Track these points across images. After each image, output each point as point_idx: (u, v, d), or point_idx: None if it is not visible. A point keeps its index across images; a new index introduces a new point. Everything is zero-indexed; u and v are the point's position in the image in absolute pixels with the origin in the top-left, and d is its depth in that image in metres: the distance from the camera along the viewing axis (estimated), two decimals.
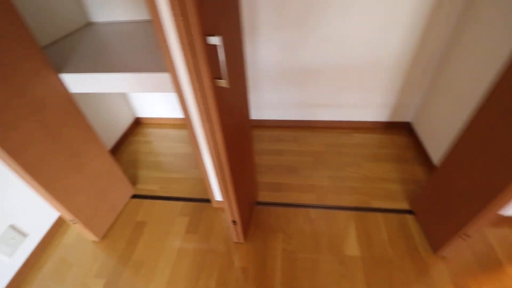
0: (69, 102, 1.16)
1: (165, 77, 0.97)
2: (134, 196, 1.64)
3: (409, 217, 1.43)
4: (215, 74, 0.68)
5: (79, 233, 1.47)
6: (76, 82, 1.10)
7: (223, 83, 0.68)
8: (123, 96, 2.05)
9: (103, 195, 1.43)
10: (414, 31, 1.50)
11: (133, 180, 1.75)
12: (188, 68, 0.65)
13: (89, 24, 1.59)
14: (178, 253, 1.35)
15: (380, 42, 1.56)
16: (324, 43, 1.60)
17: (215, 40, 0.60)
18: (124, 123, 2.08)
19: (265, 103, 1.99)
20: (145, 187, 1.70)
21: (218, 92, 0.70)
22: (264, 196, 1.59)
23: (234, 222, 1.20)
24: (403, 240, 1.33)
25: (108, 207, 1.47)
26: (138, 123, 2.23)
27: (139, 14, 1.53)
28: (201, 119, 0.75)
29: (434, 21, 1.45)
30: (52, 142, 1.09)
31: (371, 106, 1.91)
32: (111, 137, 1.92)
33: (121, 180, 1.56)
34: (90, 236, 1.41)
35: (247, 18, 1.56)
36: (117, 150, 1.97)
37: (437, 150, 1.60)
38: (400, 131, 1.99)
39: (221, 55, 0.63)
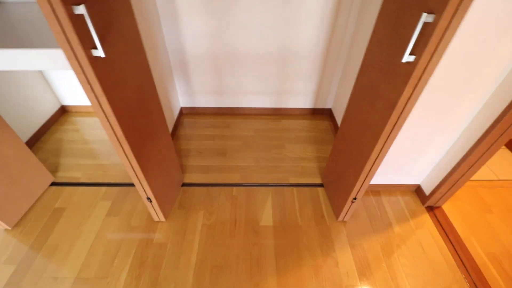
0: None
1: (59, 53, 0.97)
2: (54, 184, 1.58)
3: (319, 189, 1.60)
4: (90, 44, 0.71)
5: None
6: None
7: (97, 52, 0.72)
8: (45, 83, 1.94)
9: (15, 183, 1.36)
10: (323, 24, 1.67)
11: (55, 168, 1.68)
12: (58, 39, 0.67)
13: (1, 3, 1.48)
14: (96, 236, 1.34)
15: (294, 33, 1.70)
16: (246, 31, 1.69)
17: (80, 9, 0.64)
18: (47, 111, 1.96)
19: (196, 90, 2.04)
20: (67, 175, 1.64)
21: (96, 63, 0.74)
22: (190, 177, 1.65)
23: (148, 199, 1.24)
24: (312, 210, 1.49)
25: (21, 195, 1.40)
26: (64, 111, 2.13)
27: None
28: (85, 91, 0.78)
29: (340, 14, 1.63)
30: None
31: (297, 94, 2.07)
32: (30, 125, 1.81)
33: (38, 168, 1.49)
34: (0, 225, 1.34)
35: (168, 6, 1.58)
36: (38, 138, 1.86)
37: None
38: (323, 117, 2.19)
39: (89, 24, 0.67)
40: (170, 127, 1.91)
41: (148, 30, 1.46)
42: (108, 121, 0.87)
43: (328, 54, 1.82)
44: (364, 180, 1.19)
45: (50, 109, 1.99)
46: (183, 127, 2.05)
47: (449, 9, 0.65)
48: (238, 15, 1.62)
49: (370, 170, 1.13)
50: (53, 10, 0.62)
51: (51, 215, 1.43)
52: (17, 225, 1.39)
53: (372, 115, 1.02)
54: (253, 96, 2.08)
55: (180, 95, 2.09)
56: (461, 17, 0.67)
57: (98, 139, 1.89)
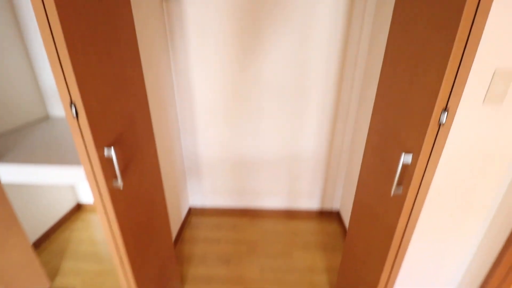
0: None
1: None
2: None
3: None
4: (112, 177, 0.83)
5: None
6: (10, 173, 1.19)
7: (117, 183, 0.83)
8: None
9: None
10: (321, 133, 1.85)
11: (55, 272, 1.63)
12: (87, 174, 0.79)
13: (47, 118, 1.79)
14: None
15: (298, 139, 1.88)
16: (254, 138, 1.89)
17: (110, 151, 0.78)
18: (62, 208, 2.06)
19: (206, 190, 2.13)
20: (64, 281, 1.58)
21: (114, 192, 0.84)
22: None
23: None
24: None
25: None
26: (79, 209, 2.22)
27: None
28: (99, 215, 0.86)
29: (337, 127, 1.83)
30: None
31: (304, 196, 2.11)
32: (43, 223, 1.87)
33: (37, 274, 1.46)
34: None
35: (187, 118, 1.85)
36: (48, 236, 1.89)
37: None
38: (330, 219, 2.14)
39: (115, 163, 0.79)
40: (177, 227, 1.92)
41: (169, 141, 1.67)
42: (115, 242, 0.91)
43: (330, 158, 1.94)
44: None
45: (65, 207, 2.08)
46: (190, 228, 2.05)
47: (425, 149, 0.74)
48: (248, 125, 1.85)
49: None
50: (87, 152, 0.76)
51: None
52: None
53: (374, 240, 1.02)
54: (261, 196, 2.13)
55: (190, 195, 2.17)
56: (439, 155, 0.75)
57: (105, 240, 1.90)
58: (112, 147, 0.78)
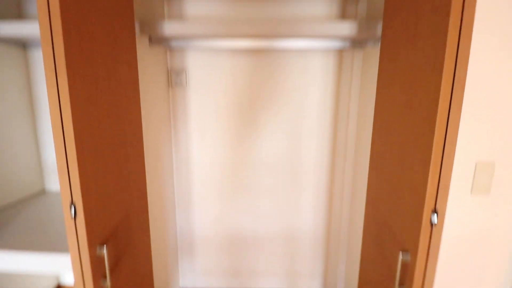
0: None
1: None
2: None
3: None
4: (100, 275, 0.79)
5: None
6: None
7: (105, 283, 0.78)
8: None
9: None
10: (319, 210, 1.84)
11: None
12: (75, 272, 0.76)
13: (43, 192, 1.77)
14: None
15: (293, 217, 1.85)
16: (250, 214, 1.85)
17: (102, 250, 0.76)
18: None
19: (199, 270, 1.98)
20: None
21: None
22: None
23: None
24: None
25: None
26: None
27: None
28: None
29: (334, 203, 1.82)
30: None
31: (304, 275, 1.97)
32: None
33: None
34: None
35: (184, 193, 1.85)
36: None
37: None
38: None
39: (106, 263, 0.77)
40: None
41: (162, 221, 1.63)
42: None
43: (329, 235, 1.88)
44: None
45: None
46: None
47: (422, 249, 0.74)
48: (244, 201, 1.84)
49: None
50: (79, 253, 0.74)
51: None
52: None
53: None
54: (258, 277, 1.98)
55: (181, 275, 2.02)
56: (436, 254, 0.74)
57: None
58: (105, 246, 0.77)
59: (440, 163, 0.68)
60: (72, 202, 0.71)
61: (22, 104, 1.69)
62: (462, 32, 0.62)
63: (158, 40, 1.36)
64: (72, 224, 0.72)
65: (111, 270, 0.82)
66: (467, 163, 0.95)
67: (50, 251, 1.11)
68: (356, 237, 1.72)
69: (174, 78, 1.69)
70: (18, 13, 1.55)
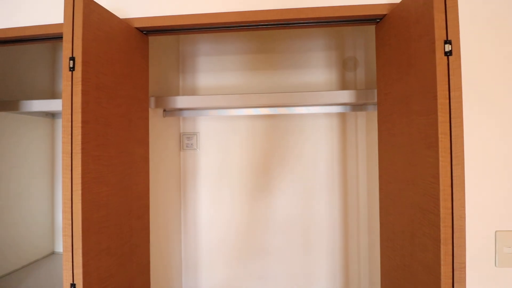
0: None
1: None
2: None
3: None
4: None
5: None
6: None
7: None
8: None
9: None
10: (335, 273, 1.70)
11: None
12: None
13: (52, 253, 1.77)
14: None
15: (307, 283, 1.71)
16: (260, 280, 1.73)
17: None
18: None
19: None
20: None
21: None
22: None
23: None
24: None
25: None
26: None
27: None
28: None
29: (350, 267, 1.69)
30: None
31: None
32: None
33: None
34: None
35: (191, 259, 1.79)
36: None
37: None
38: None
39: None
40: None
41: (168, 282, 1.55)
42: None
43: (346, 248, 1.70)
44: None
45: None
46: None
47: None
48: (255, 265, 1.74)
49: None
50: None
51: None
52: None
53: None
54: None
55: None
56: None
57: None
58: None
59: (451, 240, 0.65)
60: (72, 283, 0.70)
61: (44, 168, 1.80)
62: (452, 111, 0.65)
63: (172, 112, 1.48)
64: None
65: None
66: (487, 234, 0.89)
67: None
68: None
69: (185, 141, 1.79)
70: (52, 90, 1.77)
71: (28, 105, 1.28)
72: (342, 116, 1.71)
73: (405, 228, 0.80)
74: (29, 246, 1.66)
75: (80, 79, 0.69)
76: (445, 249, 0.64)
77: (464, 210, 0.65)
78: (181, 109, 1.51)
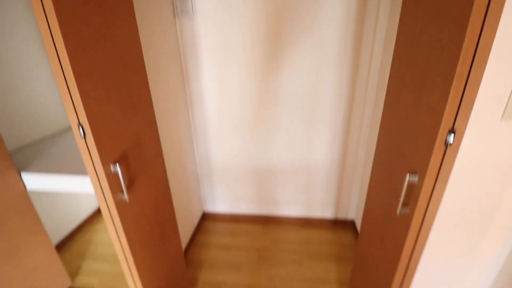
0: (23, 197, 1.32)
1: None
2: None
3: None
4: (119, 190, 0.87)
5: None
6: (33, 181, 1.29)
7: (123, 196, 0.86)
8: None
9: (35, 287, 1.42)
10: (336, 143, 1.81)
11: (76, 271, 1.74)
12: (95, 189, 0.84)
13: (69, 129, 1.90)
14: None
15: (312, 149, 1.85)
16: (267, 147, 1.89)
17: (116, 168, 0.82)
18: (86, 211, 2.18)
19: (219, 197, 2.16)
20: (84, 280, 1.68)
21: (121, 203, 0.88)
22: None
23: None
24: None
25: None
26: (101, 212, 2.33)
27: None
28: (107, 225, 0.90)
29: (351, 136, 1.78)
30: None
31: (317, 204, 2.07)
32: (66, 226, 1.99)
33: (60, 273, 1.56)
34: None
35: (200, 126, 1.89)
36: (70, 239, 2.01)
37: None
38: (345, 229, 2.09)
39: (121, 179, 0.83)
40: (191, 231, 1.97)
41: (181, 147, 1.71)
42: (122, 250, 0.95)
43: (345, 167, 1.90)
44: None
45: (87, 210, 2.21)
46: (203, 233, 2.09)
47: (431, 170, 0.70)
48: (262, 134, 1.85)
49: None
50: (94, 169, 0.80)
51: None
52: None
53: (383, 258, 0.98)
54: (275, 204, 2.12)
55: (204, 200, 2.21)
56: (447, 176, 0.71)
57: None
58: (118, 164, 0.82)
59: (466, 75, 0.59)
60: (79, 123, 0.73)
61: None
62: None
63: None
64: (83, 143, 0.76)
65: (128, 187, 0.90)
66: (501, 86, 0.83)
67: (80, 173, 1.23)
68: (370, 169, 1.71)
69: (178, 5, 1.55)
70: None
71: None
72: None
73: (417, 71, 0.74)
74: (47, 121, 1.76)
75: None
76: (457, 84, 0.60)
77: (490, 47, 0.56)
78: None
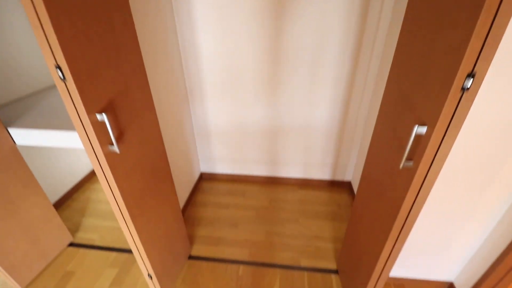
0: (13, 152, 1.28)
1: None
2: (71, 245, 1.65)
3: (334, 277, 1.46)
4: (108, 142, 0.82)
5: (1, 281, 1.45)
6: (22, 136, 1.24)
7: (113, 148, 0.82)
8: None
9: (36, 242, 1.45)
10: (337, 104, 1.74)
11: (76, 228, 1.77)
12: (82, 139, 0.79)
13: (54, 86, 1.80)
14: None
15: (311, 111, 1.79)
16: (266, 107, 1.82)
17: (102, 116, 0.76)
18: (85, 169, 2.17)
19: (216, 157, 2.14)
20: (85, 236, 1.72)
21: (111, 156, 0.84)
22: (199, 250, 1.62)
23: (149, 276, 1.22)
24: None
25: (38, 255, 1.48)
26: None
27: None
28: (99, 177, 0.87)
29: (353, 98, 1.70)
30: None
31: (315, 165, 2.07)
32: (65, 184, 1.99)
33: (60, 229, 1.59)
34: (13, 284, 1.39)
35: (195, 84, 1.80)
36: (70, 196, 2.03)
37: None
38: (342, 190, 2.11)
39: (109, 129, 0.77)
40: (188, 191, 1.98)
41: (176, 106, 1.64)
42: (116, 202, 0.93)
43: (344, 129, 1.85)
44: (381, 274, 1.07)
45: (86, 168, 2.20)
46: (201, 192, 2.10)
47: (443, 118, 0.65)
48: (261, 94, 1.77)
49: (384, 265, 1.02)
50: (79, 116, 0.74)
51: (61, 278, 1.46)
52: (29, 285, 1.43)
53: (380, 213, 0.97)
54: (273, 165, 2.11)
55: (201, 161, 2.20)
56: (459, 126, 0.66)
57: None
58: (104, 113, 0.76)
59: (496, 7, 0.51)
60: (56, 64, 0.66)
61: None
62: None
63: None
64: (63, 87, 0.69)
65: (118, 138, 0.85)
66: None
67: (68, 129, 1.17)
68: (370, 131, 1.67)
69: None
70: None
71: None
72: None
73: (426, 34, 0.65)
74: (30, 79, 1.66)
75: None
76: (483, 20, 0.52)
77: None
78: None
